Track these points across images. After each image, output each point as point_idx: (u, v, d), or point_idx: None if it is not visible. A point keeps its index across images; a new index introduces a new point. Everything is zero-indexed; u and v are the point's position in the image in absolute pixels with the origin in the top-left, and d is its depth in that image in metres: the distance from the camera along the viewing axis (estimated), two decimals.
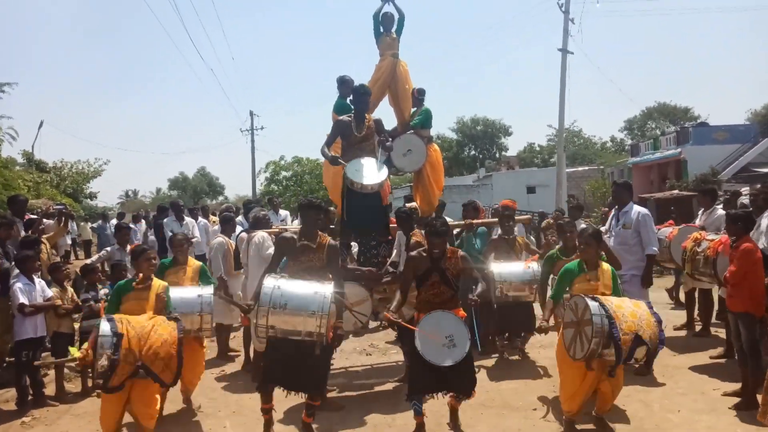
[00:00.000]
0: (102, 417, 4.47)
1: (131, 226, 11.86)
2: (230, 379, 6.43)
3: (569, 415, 4.63)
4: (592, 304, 4.26)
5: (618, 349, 4.12)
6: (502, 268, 6.33)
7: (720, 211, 6.95)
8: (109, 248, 8.13)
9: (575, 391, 4.56)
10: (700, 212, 7.28)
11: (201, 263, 5.89)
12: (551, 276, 5.65)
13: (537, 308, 6.25)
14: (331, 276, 4.69)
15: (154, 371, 4.25)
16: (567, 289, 4.81)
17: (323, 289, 4.38)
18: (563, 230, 6.14)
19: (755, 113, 45.19)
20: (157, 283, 4.88)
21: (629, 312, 4.25)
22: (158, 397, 4.67)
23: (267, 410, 4.65)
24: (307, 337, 4.31)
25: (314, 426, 4.80)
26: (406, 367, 6.06)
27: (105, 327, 4.19)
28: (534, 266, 6.29)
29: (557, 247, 6.17)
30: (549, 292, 5.33)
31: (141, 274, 4.80)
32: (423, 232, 5.14)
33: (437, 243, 4.60)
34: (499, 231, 6.90)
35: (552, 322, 5.12)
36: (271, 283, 4.39)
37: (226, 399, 5.74)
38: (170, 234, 9.52)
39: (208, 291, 5.32)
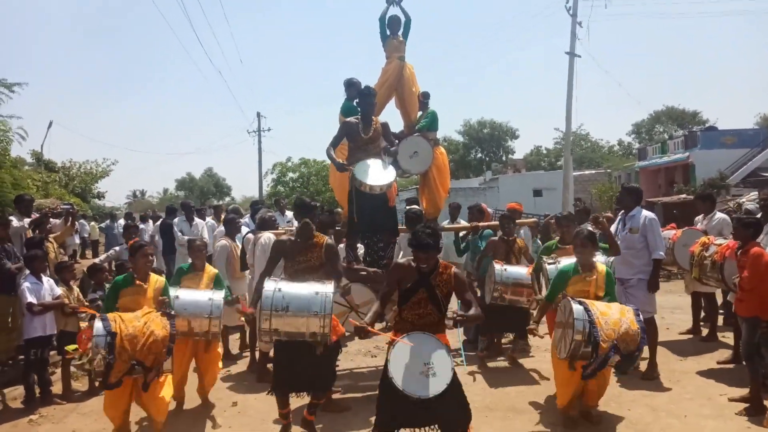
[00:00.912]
0: (106, 408, 4.56)
1: (140, 225, 11.93)
2: (235, 379, 6.45)
3: (561, 408, 4.84)
4: (577, 308, 4.41)
5: (595, 353, 4.30)
6: (504, 268, 6.34)
7: (719, 215, 7.10)
8: (117, 248, 8.18)
9: (565, 386, 4.75)
10: (699, 217, 7.31)
11: (217, 271, 5.95)
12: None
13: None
14: (330, 274, 4.74)
15: (149, 367, 4.35)
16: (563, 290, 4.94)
17: (324, 289, 4.37)
18: (561, 224, 6.29)
19: (764, 117, 45.02)
20: (155, 279, 4.91)
21: (613, 320, 4.37)
22: (167, 393, 4.68)
23: (285, 415, 4.70)
24: (311, 338, 4.31)
25: (318, 426, 4.81)
26: None
27: (98, 326, 4.24)
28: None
29: (556, 238, 6.32)
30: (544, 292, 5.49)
31: (138, 270, 4.84)
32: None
33: (422, 258, 3.91)
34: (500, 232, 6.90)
35: (542, 323, 5.31)
36: (271, 286, 4.37)
37: (231, 399, 5.75)
38: (179, 234, 9.60)
39: (219, 296, 5.37)
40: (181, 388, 5.41)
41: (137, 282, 4.79)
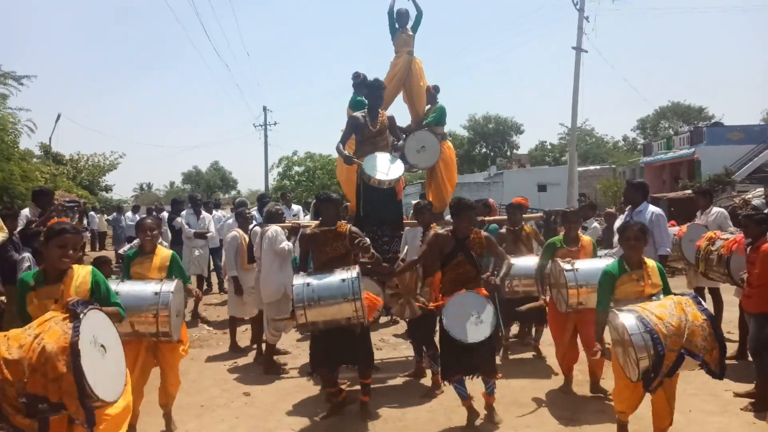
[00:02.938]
0: None
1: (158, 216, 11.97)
2: (242, 371, 6.50)
3: (621, 416, 4.34)
4: (630, 323, 3.74)
5: (658, 365, 3.68)
6: (512, 262, 6.18)
7: (716, 209, 7.19)
8: (138, 240, 8.23)
9: (627, 401, 4.22)
10: (698, 213, 7.36)
11: (172, 252, 5.01)
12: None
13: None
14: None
15: (51, 399, 2.87)
16: (612, 295, 4.27)
17: (349, 275, 4.60)
18: (569, 220, 5.74)
19: None
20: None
21: (675, 323, 3.69)
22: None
23: (335, 393, 4.99)
24: (348, 323, 4.60)
25: (325, 421, 4.89)
26: (416, 362, 6.11)
27: None
28: None
29: (561, 234, 5.92)
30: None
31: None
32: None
33: (464, 218, 4.78)
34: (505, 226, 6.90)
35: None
36: (300, 281, 4.61)
37: (238, 390, 5.81)
38: (186, 227, 9.66)
39: (168, 287, 4.47)
40: (137, 395, 4.40)
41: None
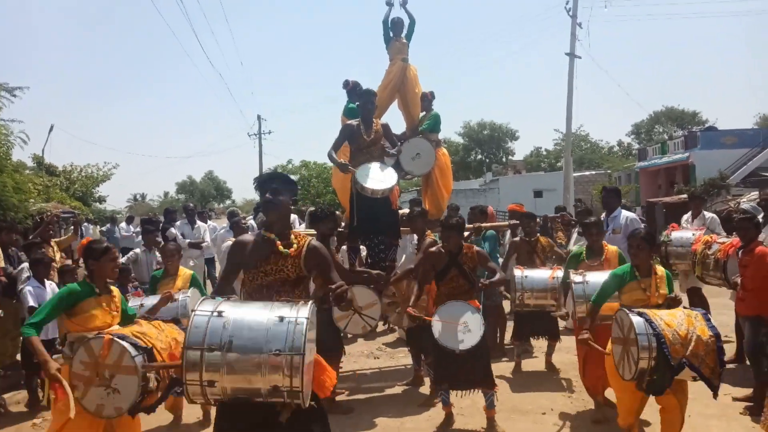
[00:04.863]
0: None
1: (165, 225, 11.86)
2: None
3: (625, 429, 4.30)
4: (637, 321, 3.75)
5: (667, 371, 3.67)
6: (524, 274, 6.03)
7: (708, 214, 7.26)
8: (138, 250, 8.17)
9: (629, 405, 4.18)
10: (687, 216, 7.41)
11: (192, 272, 5.77)
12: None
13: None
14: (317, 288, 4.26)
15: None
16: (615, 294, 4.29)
17: (295, 313, 2.65)
18: (590, 231, 5.27)
19: (764, 117, 45.00)
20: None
21: (682, 332, 3.70)
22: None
23: None
24: (270, 397, 2.57)
25: None
26: (414, 370, 6.08)
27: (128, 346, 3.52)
28: (559, 275, 5.82)
29: (584, 247, 5.45)
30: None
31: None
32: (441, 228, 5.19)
33: (450, 237, 4.86)
34: (515, 234, 6.88)
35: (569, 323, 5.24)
36: (207, 307, 2.66)
37: None
38: (180, 237, 9.61)
39: (184, 294, 5.21)
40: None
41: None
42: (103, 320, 3.74)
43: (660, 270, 4.24)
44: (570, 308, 5.06)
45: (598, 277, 4.70)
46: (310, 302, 2.80)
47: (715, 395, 3.79)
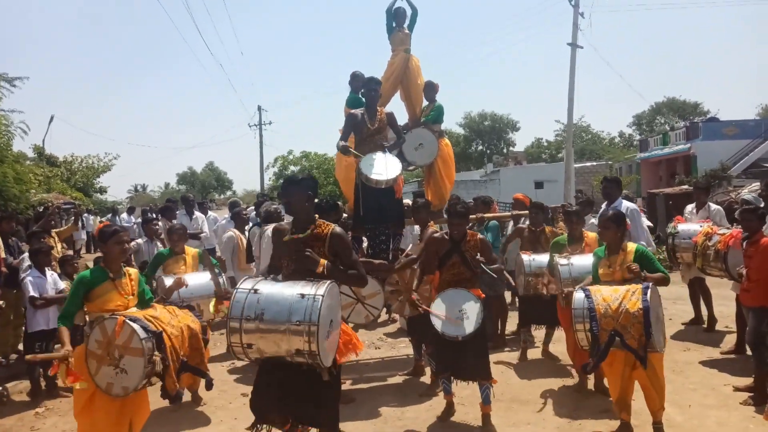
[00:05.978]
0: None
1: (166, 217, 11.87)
2: (241, 372, 6.46)
3: (622, 416, 4.49)
4: (577, 296, 4.24)
5: (595, 344, 4.10)
6: (532, 258, 6.15)
7: (713, 206, 7.17)
8: (140, 240, 8.18)
9: (616, 385, 4.42)
10: (690, 206, 7.35)
11: (198, 249, 6.20)
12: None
13: None
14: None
15: (191, 363, 3.96)
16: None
17: (314, 291, 3.22)
18: (570, 219, 5.79)
19: (765, 108, 44.88)
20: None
21: (614, 306, 4.06)
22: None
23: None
24: (293, 359, 3.21)
25: None
26: (415, 360, 6.10)
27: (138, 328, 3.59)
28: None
29: (567, 234, 5.96)
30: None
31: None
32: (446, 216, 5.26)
33: (456, 224, 4.85)
34: (525, 222, 6.89)
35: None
36: (247, 285, 3.32)
37: (237, 391, 5.78)
38: None
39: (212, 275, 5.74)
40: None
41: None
42: (117, 303, 3.81)
43: (630, 246, 4.59)
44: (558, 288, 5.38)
45: (582, 260, 5.18)
46: (329, 282, 3.33)
47: (644, 365, 4.06)
